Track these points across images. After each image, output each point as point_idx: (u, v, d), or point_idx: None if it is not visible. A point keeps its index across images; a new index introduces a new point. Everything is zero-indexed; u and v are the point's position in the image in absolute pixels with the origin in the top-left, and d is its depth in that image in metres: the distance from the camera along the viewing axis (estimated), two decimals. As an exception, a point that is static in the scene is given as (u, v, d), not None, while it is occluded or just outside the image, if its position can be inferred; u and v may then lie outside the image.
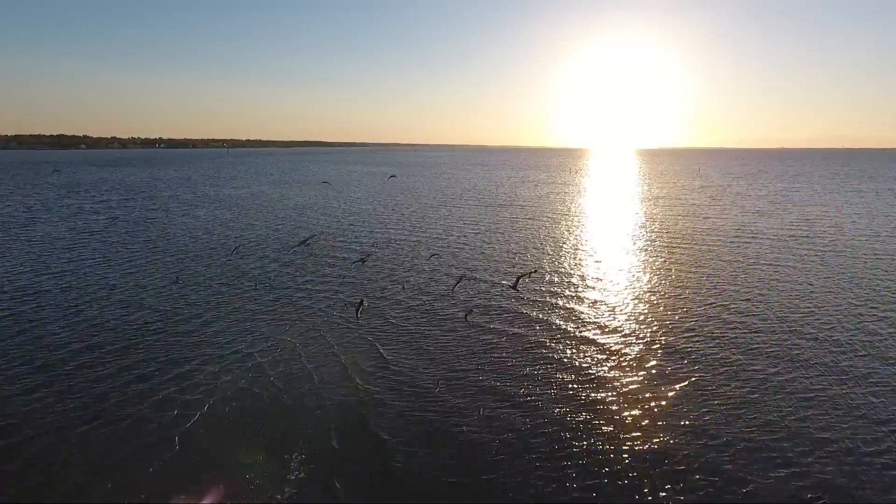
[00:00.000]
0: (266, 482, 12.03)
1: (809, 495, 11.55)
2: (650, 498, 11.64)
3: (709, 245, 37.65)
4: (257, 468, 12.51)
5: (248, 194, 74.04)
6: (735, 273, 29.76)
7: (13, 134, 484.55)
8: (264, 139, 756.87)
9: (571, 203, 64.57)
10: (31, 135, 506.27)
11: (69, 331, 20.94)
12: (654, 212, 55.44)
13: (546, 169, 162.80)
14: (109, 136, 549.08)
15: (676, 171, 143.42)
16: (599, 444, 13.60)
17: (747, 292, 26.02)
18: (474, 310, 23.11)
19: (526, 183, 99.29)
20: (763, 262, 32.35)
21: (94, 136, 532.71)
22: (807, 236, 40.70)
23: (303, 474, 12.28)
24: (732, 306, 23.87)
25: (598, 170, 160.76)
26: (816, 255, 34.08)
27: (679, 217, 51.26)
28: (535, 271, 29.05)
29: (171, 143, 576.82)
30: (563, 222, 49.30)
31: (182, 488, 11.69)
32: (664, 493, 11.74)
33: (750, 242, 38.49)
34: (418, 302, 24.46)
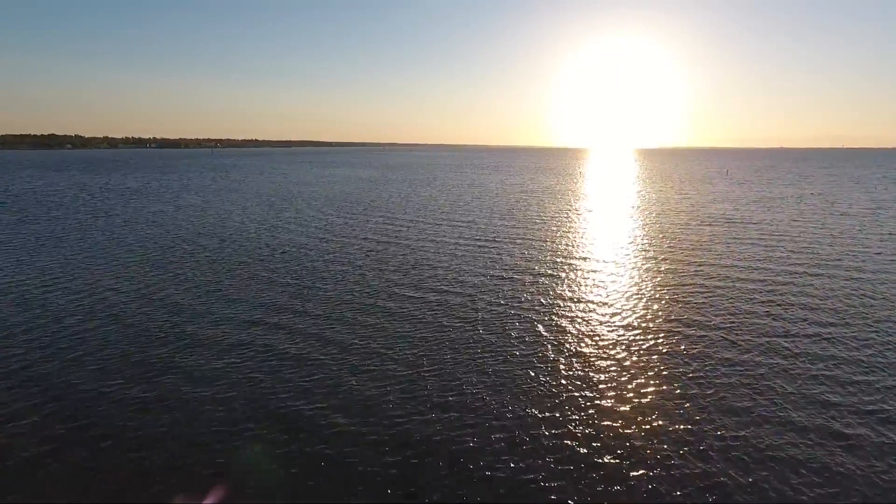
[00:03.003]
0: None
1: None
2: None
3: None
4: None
5: (156, 213, 54.24)
6: None
7: (1, 134, 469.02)
8: (260, 139, 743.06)
9: (603, 235, 44.45)
10: (13, 135, 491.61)
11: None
12: (752, 256, 35.64)
13: (550, 172, 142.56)
14: (102, 137, 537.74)
15: (705, 175, 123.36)
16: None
17: None
18: None
19: (530, 194, 79.27)
20: None
21: (88, 136, 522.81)
22: None
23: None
24: None
25: (610, 174, 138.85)
26: None
27: (812, 273, 31.43)
28: None
29: (163, 143, 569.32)
30: (608, 283, 29.59)
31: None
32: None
33: None
34: None
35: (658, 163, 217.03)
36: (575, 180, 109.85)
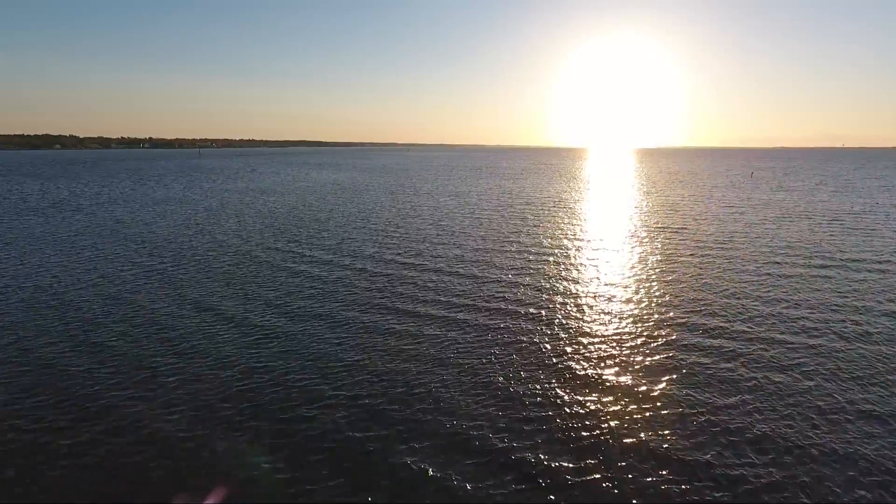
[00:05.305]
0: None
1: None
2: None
3: None
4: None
5: (64, 236, 39.61)
6: None
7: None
8: (258, 139, 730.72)
9: (658, 297, 29.57)
10: (2, 134, 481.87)
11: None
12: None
13: (553, 175, 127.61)
14: (96, 137, 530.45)
15: (730, 179, 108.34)
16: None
17: None
18: None
19: (536, 206, 64.53)
20: None
21: (83, 136, 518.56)
22: None
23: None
24: None
25: (623, 178, 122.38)
26: None
27: None
28: None
29: (156, 144, 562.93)
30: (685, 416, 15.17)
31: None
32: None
33: None
34: None
35: (666, 164, 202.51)
36: (584, 187, 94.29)
